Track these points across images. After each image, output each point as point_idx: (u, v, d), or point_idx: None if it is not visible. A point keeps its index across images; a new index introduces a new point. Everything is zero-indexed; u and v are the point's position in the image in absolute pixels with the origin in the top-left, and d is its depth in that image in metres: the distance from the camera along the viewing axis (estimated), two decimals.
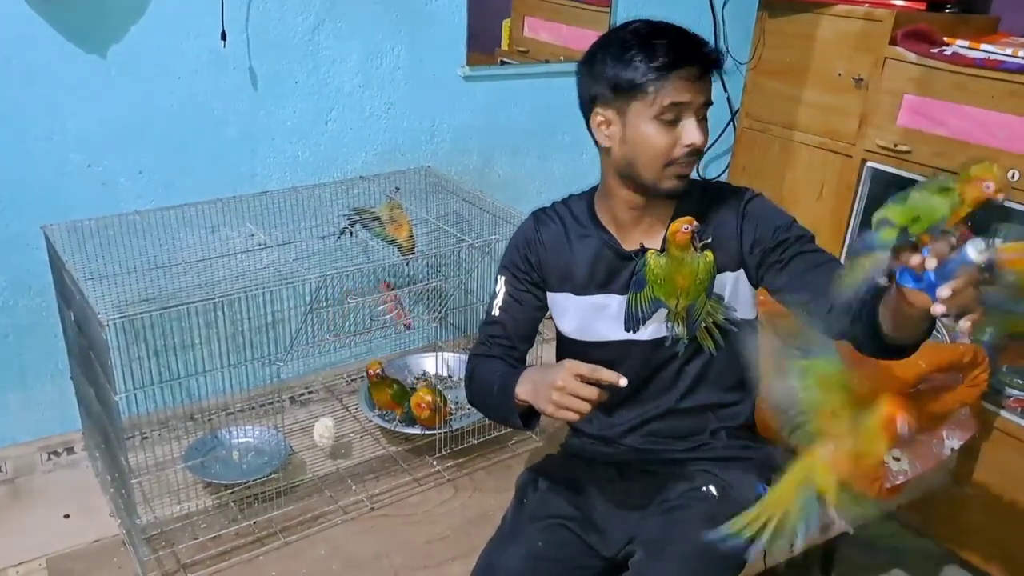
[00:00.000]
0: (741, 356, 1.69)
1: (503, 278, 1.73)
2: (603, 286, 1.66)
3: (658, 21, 1.52)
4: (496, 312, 1.72)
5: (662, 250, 1.57)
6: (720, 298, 1.61)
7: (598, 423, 1.77)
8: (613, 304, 1.65)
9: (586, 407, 1.39)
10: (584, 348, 1.69)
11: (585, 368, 1.41)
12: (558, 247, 1.68)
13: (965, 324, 1.13)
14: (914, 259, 1.10)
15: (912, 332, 1.32)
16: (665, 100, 1.47)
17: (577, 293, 1.68)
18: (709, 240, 1.56)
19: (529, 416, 1.59)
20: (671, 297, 1.55)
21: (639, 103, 1.50)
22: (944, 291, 1.08)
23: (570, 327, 1.72)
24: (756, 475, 1.70)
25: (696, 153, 1.52)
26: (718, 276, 1.58)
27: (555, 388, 1.41)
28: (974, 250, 1.08)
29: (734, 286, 1.62)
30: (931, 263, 1.09)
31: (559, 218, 1.70)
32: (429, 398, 2.09)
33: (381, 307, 2.26)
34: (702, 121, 1.52)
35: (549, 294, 1.71)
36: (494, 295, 1.74)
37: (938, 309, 1.09)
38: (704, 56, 1.49)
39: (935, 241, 1.10)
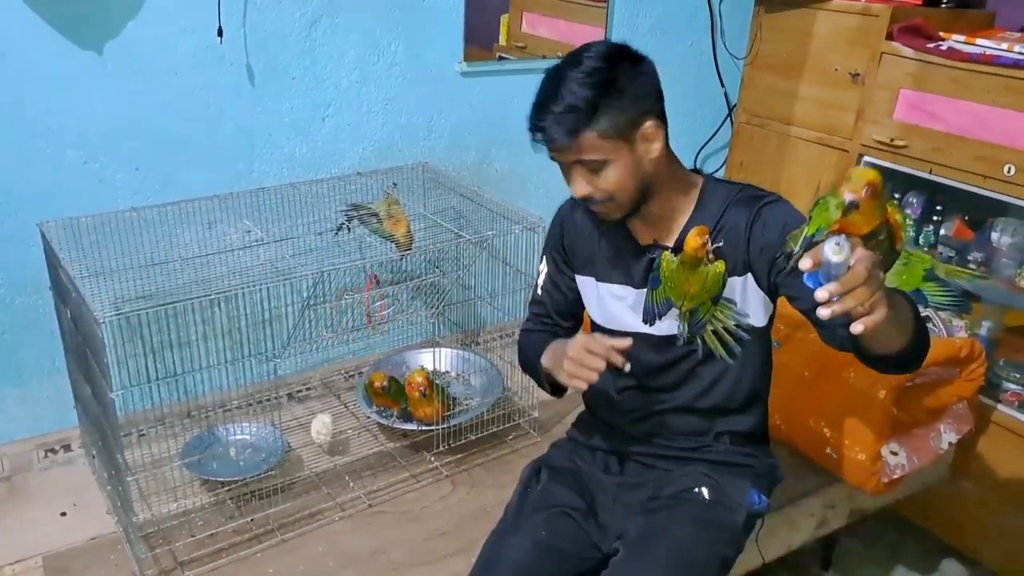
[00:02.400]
0: (755, 364, 1.70)
1: (545, 258, 1.83)
2: (621, 276, 1.68)
3: (547, 79, 1.56)
4: (539, 291, 1.85)
5: (677, 250, 1.57)
6: (732, 303, 1.60)
7: (608, 409, 1.79)
8: (630, 296, 1.67)
9: (593, 376, 1.51)
10: (608, 336, 1.70)
11: (596, 346, 1.51)
12: (588, 232, 1.72)
13: (857, 327, 1.10)
14: (800, 263, 1.10)
15: (885, 341, 1.31)
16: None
17: (599, 279, 1.72)
18: (721, 244, 1.55)
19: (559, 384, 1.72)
20: (679, 299, 1.55)
21: None
22: (820, 293, 1.07)
23: (594, 313, 1.76)
24: (753, 483, 1.70)
25: (589, 201, 1.55)
26: (728, 281, 1.57)
27: (567, 358, 1.54)
28: (829, 250, 1.07)
29: (743, 291, 1.60)
30: (804, 263, 1.09)
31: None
32: (420, 378, 2.09)
33: (380, 302, 2.25)
34: (590, 172, 1.51)
35: (576, 276, 1.77)
36: (539, 274, 1.85)
37: (822, 312, 1.08)
38: (549, 130, 1.49)
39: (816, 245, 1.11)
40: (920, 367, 1.41)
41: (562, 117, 1.47)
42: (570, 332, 1.81)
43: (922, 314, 1.45)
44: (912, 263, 1.45)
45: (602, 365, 1.49)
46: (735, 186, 1.65)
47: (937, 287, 1.42)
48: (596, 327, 1.77)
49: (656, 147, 1.53)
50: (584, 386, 1.53)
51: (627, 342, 1.52)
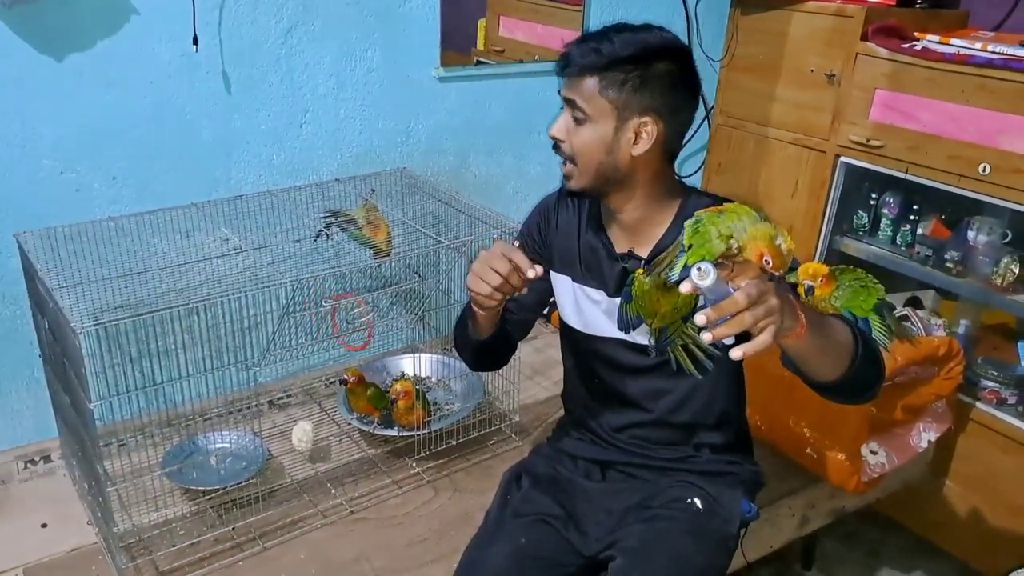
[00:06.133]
0: (726, 382, 1.71)
1: (518, 243, 1.73)
2: (596, 280, 1.68)
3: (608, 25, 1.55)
4: None
5: (651, 259, 1.56)
6: None
7: (586, 411, 1.79)
8: (604, 301, 1.67)
9: (496, 280, 1.48)
10: (584, 339, 1.72)
11: (512, 251, 1.49)
12: (569, 233, 1.71)
13: (735, 353, 1.09)
14: (681, 287, 1.09)
15: (816, 368, 1.31)
16: None
17: (575, 280, 1.71)
18: None
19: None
20: (649, 317, 1.54)
21: None
22: (698, 318, 1.07)
23: (569, 313, 1.74)
24: (742, 491, 1.71)
25: (557, 148, 1.56)
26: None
27: (477, 261, 1.51)
28: (695, 276, 1.04)
29: None
30: (684, 287, 1.07)
31: (578, 205, 1.72)
32: (399, 387, 2.11)
33: (355, 310, 2.25)
34: (573, 120, 1.53)
35: (552, 273, 1.75)
36: None
37: (704, 336, 1.08)
38: (570, 55, 1.51)
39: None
40: (873, 398, 1.41)
41: (587, 51, 1.49)
42: (518, 325, 1.80)
43: (887, 320, 1.46)
44: (869, 288, 1.45)
45: (505, 268, 1.47)
46: (713, 199, 1.63)
47: (879, 321, 1.43)
48: (571, 331, 1.75)
49: (640, 148, 1.52)
50: (484, 291, 1.50)
51: (533, 268, 1.48)
